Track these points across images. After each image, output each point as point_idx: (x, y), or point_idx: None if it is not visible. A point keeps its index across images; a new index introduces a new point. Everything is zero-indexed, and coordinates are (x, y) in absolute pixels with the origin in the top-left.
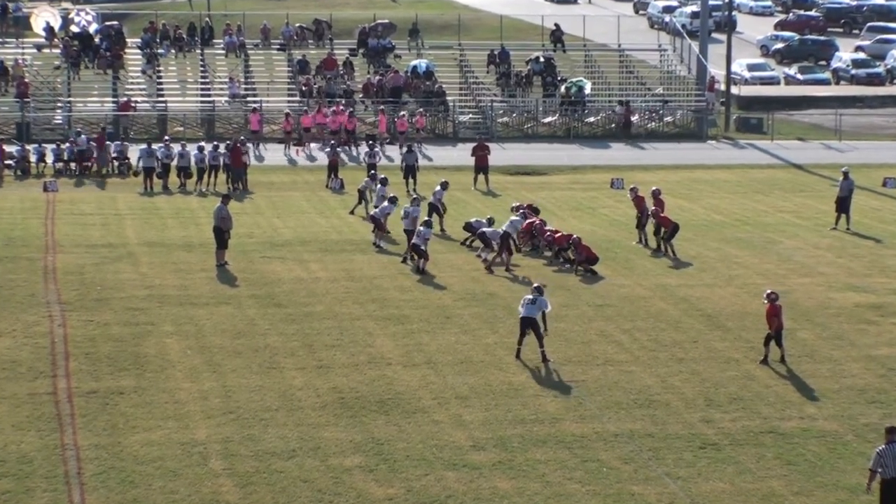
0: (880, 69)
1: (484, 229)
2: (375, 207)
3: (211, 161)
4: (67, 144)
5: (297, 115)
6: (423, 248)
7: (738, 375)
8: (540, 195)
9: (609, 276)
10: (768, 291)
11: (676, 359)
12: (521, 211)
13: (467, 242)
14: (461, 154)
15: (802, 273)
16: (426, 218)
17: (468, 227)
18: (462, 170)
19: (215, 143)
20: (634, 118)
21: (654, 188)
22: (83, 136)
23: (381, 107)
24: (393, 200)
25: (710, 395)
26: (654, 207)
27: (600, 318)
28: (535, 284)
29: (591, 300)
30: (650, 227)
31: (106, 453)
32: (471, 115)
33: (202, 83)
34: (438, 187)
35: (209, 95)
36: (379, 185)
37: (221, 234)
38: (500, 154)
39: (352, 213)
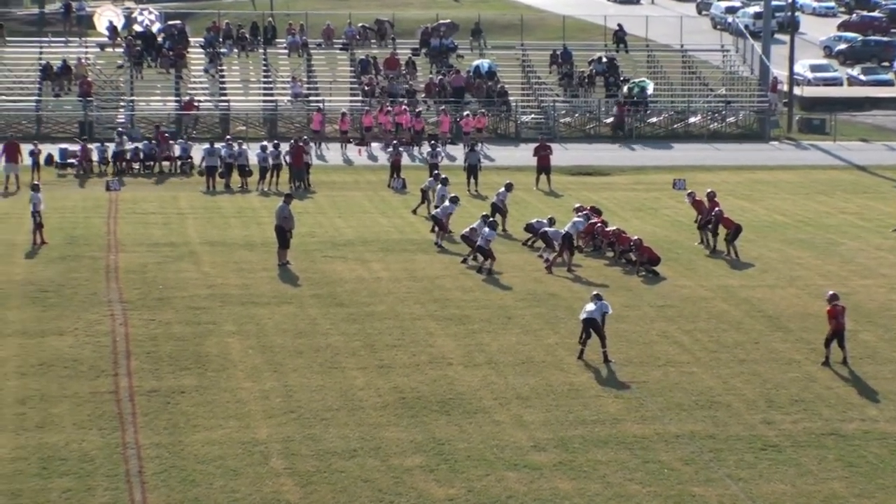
0: None
1: (546, 229)
2: (437, 207)
3: (273, 160)
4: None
5: (358, 115)
6: (487, 248)
7: (800, 377)
8: (602, 195)
9: (671, 277)
10: (830, 293)
11: (738, 360)
12: (584, 212)
13: (529, 243)
14: (523, 154)
15: (864, 275)
16: (491, 218)
17: (529, 227)
18: (524, 170)
19: (276, 141)
20: (655, 119)
21: (709, 190)
22: (125, 136)
23: (444, 107)
24: (454, 200)
25: (772, 396)
26: (718, 209)
27: (662, 318)
28: (595, 292)
29: (653, 301)
30: (721, 232)
31: (167, 452)
32: (533, 116)
33: (265, 83)
34: (503, 188)
35: (271, 95)
36: (440, 185)
37: (283, 233)
38: (561, 154)
39: (414, 212)
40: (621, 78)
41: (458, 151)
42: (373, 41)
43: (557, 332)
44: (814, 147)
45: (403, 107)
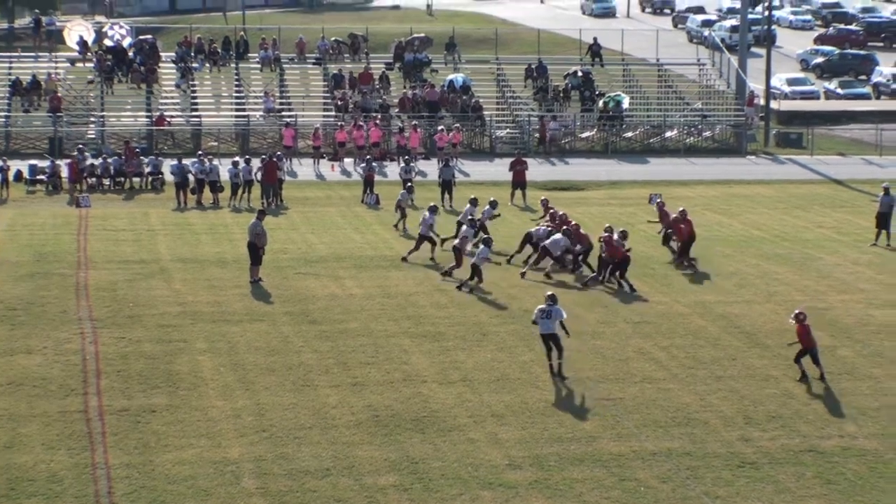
0: None
1: (544, 243)
2: (422, 233)
3: (244, 176)
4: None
5: (331, 130)
6: (479, 267)
7: (777, 393)
8: (577, 210)
9: (647, 293)
10: (797, 311)
11: (715, 376)
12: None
13: (530, 261)
14: (498, 169)
15: (842, 290)
16: (485, 236)
17: (528, 237)
18: (499, 185)
19: (247, 157)
20: (631, 133)
21: (681, 209)
22: (87, 153)
23: (414, 122)
24: (488, 243)
25: (749, 413)
26: (674, 215)
27: (638, 335)
28: (549, 293)
29: (629, 317)
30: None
31: (137, 472)
32: (508, 130)
33: (236, 98)
34: (487, 206)
35: (243, 110)
36: (428, 213)
37: (256, 250)
38: (537, 169)
39: (396, 226)
40: (597, 92)
41: (433, 167)
42: (346, 55)
43: (532, 349)
44: (791, 161)
45: (376, 122)
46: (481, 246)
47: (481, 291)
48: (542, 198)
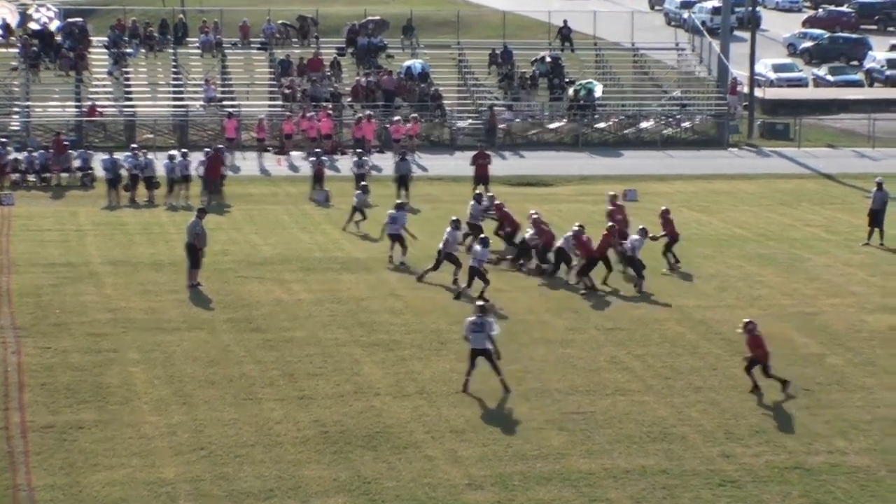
0: None
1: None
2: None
3: (181, 171)
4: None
5: (277, 121)
6: (480, 269)
7: (761, 406)
8: (544, 208)
9: (620, 297)
10: (746, 321)
11: (694, 387)
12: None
13: (521, 264)
14: (459, 163)
15: (832, 293)
16: (482, 236)
17: (523, 242)
18: (460, 180)
19: (184, 150)
20: (603, 124)
21: (663, 208)
22: (10, 146)
23: (368, 112)
24: (485, 243)
25: (731, 427)
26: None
27: (610, 342)
28: (479, 302)
29: (601, 323)
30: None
31: (63, 494)
32: (470, 121)
33: (175, 86)
34: (473, 202)
35: (182, 99)
36: (450, 229)
37: (195, 251)
38: (501, 163)
39: (345, 229)
40: (566, 79)
41: (388, 161)
42: (294, 40)
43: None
44: (776, 154)
45: (327, 112)
46: (478, 247)
47: (468, 297)
48: (488, 193)
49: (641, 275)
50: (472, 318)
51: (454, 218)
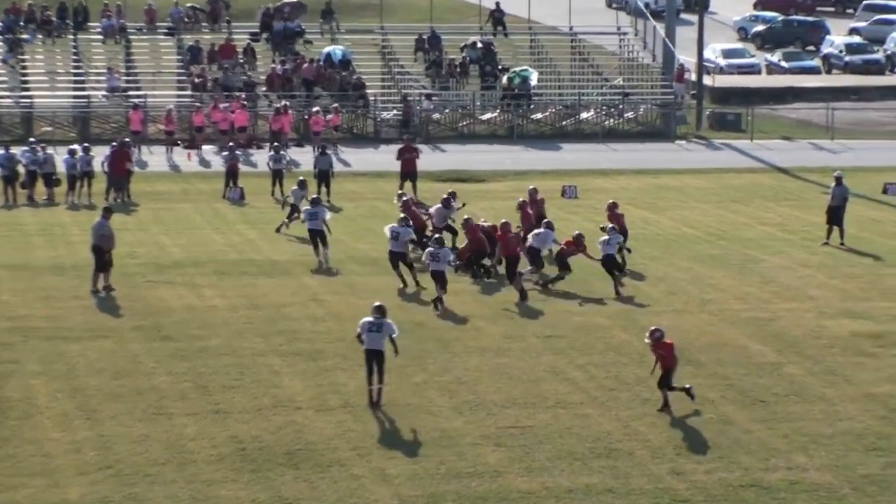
0: (879, 55)
1: (530, 243)
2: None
3: (83, 167)
4: None
5: (186, 113)
6: (444, 274)
7: (714, 419)
8: (478, 206)
9: (561, 302)
10: (652, 329)
11: (641, 399)
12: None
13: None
14: (384, 157)
15: (789, 297)
16: (437, 236)
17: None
18: (385, 176)
19: (85, 145)
20: (540, 115)
21: (610, 201)
22: None
23: (285, 102)
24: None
25: (681, 442)
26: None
27: (550, 351)
28: (377, 303)
29: (539, 330)
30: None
31: None
32: (395, 112)
33: (75, 75)
34: (440, 204)
35: (83, 90)
36: (311, 207)
37: (101, 254)
38: (430, 157)
39: (278, 230)
40: (499, 66)
41: (307, 155)
42: (204, 24)
43: (426, 370)
44: (727, 147)
45: (240, 102)
46: (439, 247)
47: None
48: (403, 196)
49: (619, 279)
50: (369, 319)
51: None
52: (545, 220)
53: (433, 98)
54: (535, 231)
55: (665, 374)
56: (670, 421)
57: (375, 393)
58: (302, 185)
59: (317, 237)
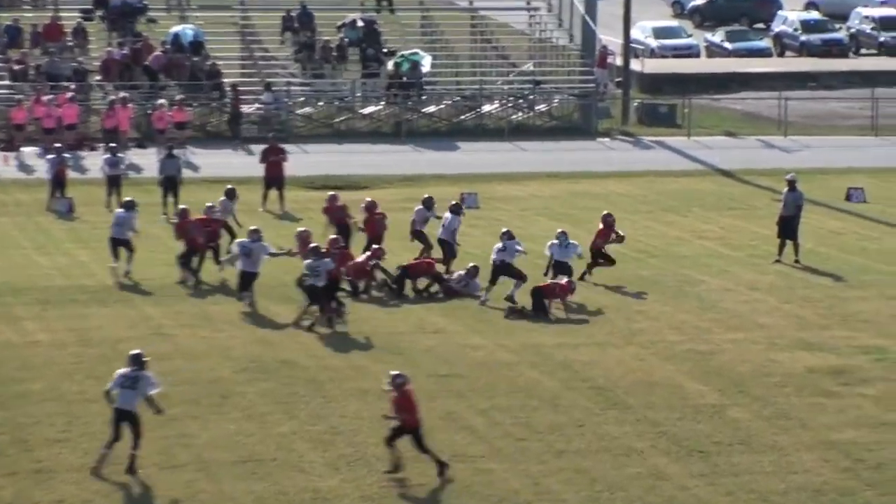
0: (841, 34)
1: (503, 259)
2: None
3: None
4: None
5: (3, 108)
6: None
7: (643, 473)
8: (359, 218)
9: (458, 334)
10: (394, 374)
11: (555, 451)
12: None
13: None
14: (245, 161)
15: (733, 326)
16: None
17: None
18: (247, 182)
19: None
20: (434, 108)
21: (605, 213)
22: None
23: (123, 94)
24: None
25: (603, 501)
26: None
27: (446, 393)
28: (133, 352)
29: (434, 368)
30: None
31: None
32: (258, 105)
33: None
34: (449, 214)
35: None
36: (122, 211)
37: None
38: (300, 160)
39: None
40: (384, 49)
41: (151, 158)
42: (25, 2)
43: (295, 417)
44: (659, 145)
45: (68, 94)
46: (317, 259)
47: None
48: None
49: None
50: (124, 371)
51: (454, 202)
52: (504, 231)
53: (274, 89)
54: (498, 246)
55: (399, 429)
56: (590, 478)
57: (128, 457)
58: (230, 194)
59: (119, 246)
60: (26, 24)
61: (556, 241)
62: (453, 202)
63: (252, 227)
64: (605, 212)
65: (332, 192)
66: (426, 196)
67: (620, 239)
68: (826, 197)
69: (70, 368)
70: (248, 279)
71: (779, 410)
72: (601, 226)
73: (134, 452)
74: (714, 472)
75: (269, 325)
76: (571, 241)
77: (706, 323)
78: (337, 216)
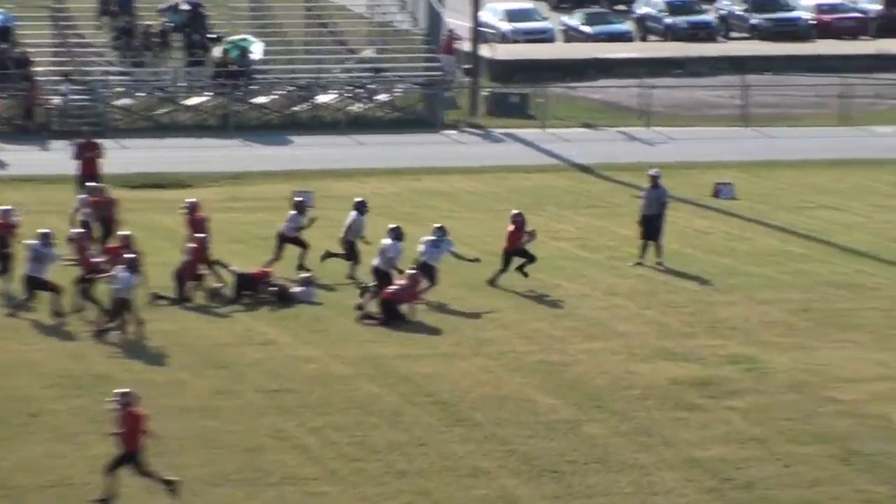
0: (709, 16)
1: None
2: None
3: None
4: None
5: None
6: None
7: (491, 495)
8: (179, 220)
9: (288, 346)
10: (121, 392)
11: (395, 472)
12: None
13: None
14: (56, 157)
15: (590, 334)
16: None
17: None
18: (58, 181)
19: None
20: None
21: (514, 211)
22: None
23: None
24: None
25: None
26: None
27: (275, 410)
28: None
29: (262, 383)
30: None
31: None
32: (71, 95)
33: None
34: (294, 212)
35: None
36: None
37: None
38: (118, 156)
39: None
40: (211, 35)
41: None
42: None
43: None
44: (511, 138)
45: None
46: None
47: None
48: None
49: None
50: None
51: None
52: (393, 227)
53: (73, 79)
54: (421, 247)
55: (122, 458)
56: (433, 501)
57: None
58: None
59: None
60: None
61: (431, 238)
62: (358, 199)
63: (43, 231)
64: (514, 211)
65: (193, 200)
66: (359, 199)
67: (532, 236)
68: (692, 193)
69: None
70: (33, 284)
71: (639, 426)
72: (511, 227)
73: None
74: (568, 494)
75: (81, 336)
76: (446, 238)
77: (561, 331)
78: (102, 212)
